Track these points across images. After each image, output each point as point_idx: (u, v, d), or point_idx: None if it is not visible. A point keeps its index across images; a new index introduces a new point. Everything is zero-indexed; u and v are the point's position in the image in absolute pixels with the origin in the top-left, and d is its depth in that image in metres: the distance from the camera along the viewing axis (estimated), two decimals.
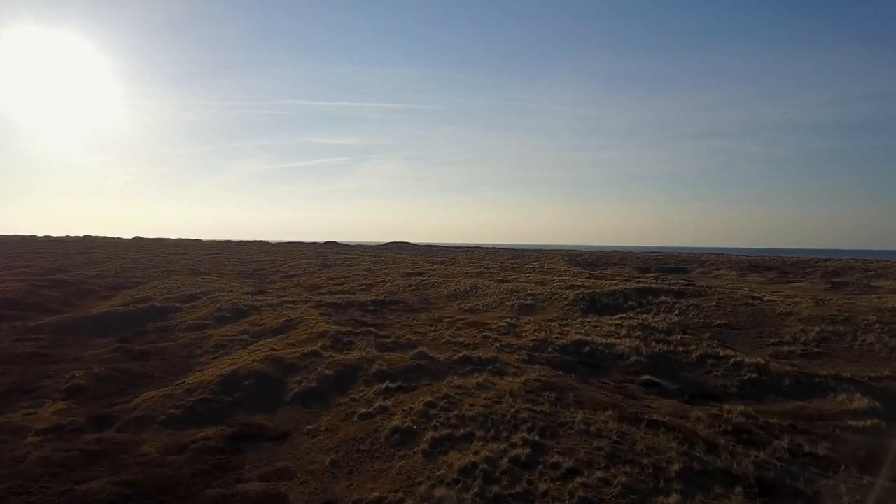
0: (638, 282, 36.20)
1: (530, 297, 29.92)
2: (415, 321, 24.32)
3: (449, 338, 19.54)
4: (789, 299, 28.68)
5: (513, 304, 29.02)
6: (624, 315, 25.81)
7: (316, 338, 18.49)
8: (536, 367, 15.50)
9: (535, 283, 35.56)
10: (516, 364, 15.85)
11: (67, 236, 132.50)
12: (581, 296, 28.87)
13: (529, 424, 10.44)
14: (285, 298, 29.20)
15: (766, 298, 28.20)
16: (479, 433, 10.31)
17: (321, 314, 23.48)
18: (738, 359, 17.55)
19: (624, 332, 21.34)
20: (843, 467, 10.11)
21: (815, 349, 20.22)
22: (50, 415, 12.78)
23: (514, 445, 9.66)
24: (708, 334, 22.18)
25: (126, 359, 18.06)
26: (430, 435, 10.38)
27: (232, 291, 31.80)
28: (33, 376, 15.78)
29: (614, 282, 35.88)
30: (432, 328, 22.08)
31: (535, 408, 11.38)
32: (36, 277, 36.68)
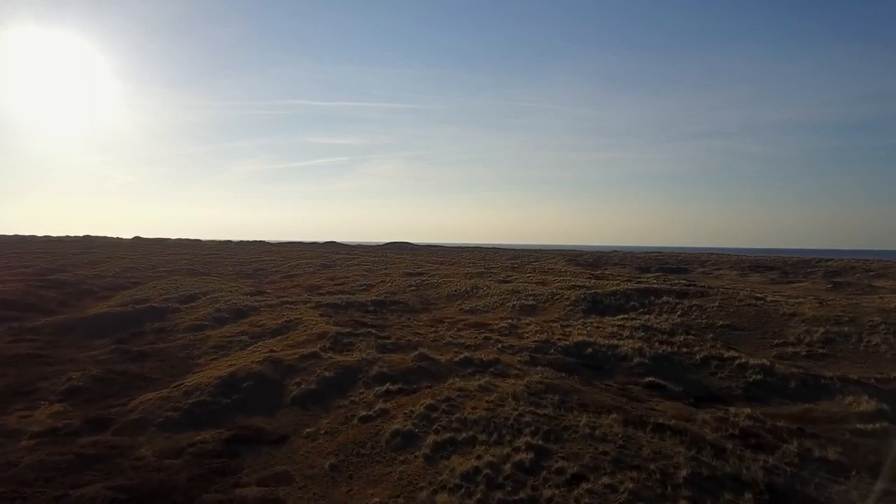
0: (639, 282, 36.00)
1: (531, 298, 29.72)
2: (415, 322, 24.12)
3: (450, 339, 19.34)
4: (792, 300, 28.45)
5: (514, 305, 28.81)
6: (626, 316, 25.61)
7: (315, 339, 18.29)
8: (539, 368, 15.31)
9: (536, 283, 35.34)
10: (518, 366, 15.66)
11: (67, 236, 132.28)
12: (582, 296, 28.67)
13: (533, 428, 10.22)
14: (285, 299, 29.00)
15: (768, 299, 27.97)
16: (482, 437, 10.10)
17: (321, 315, 23.28)
18: (743, 360, 17.33)
19: (626, 333, 21.15)
20: (854, 472, 9.90)
21: (821, 350, 20.02)
22: (45, 417, 12.60)
23: (517, 450, 9.45)
24: (711, 335, 21.97)
25: (123, 360, 17.86)
26: (431, 439, 10.18)
27: (231, 292, 31.61)
28: (29, 378, 15.58)
29: (615, 282, 35.67)
30: (433, 329, 21.88)
31: (539, 411, 11.17)
32: (34, 278, 36.48)
